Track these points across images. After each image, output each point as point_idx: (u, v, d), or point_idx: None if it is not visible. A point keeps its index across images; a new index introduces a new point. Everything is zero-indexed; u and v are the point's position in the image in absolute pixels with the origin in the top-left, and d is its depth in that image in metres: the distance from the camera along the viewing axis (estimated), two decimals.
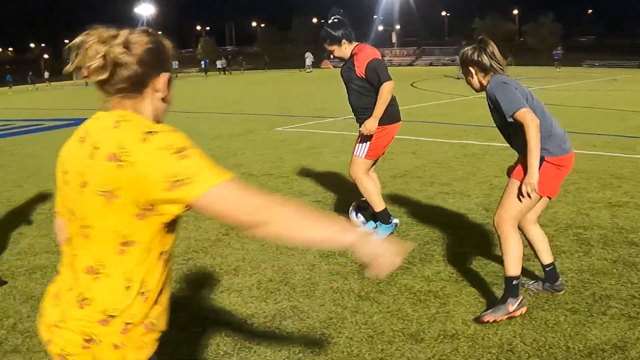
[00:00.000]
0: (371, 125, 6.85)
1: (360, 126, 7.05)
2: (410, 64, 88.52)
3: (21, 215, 8.99)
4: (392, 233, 7.24)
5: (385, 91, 6.78)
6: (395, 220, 7.41)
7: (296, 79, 56.97)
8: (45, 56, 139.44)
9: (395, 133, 7.29)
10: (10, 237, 7.93)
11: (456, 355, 4.51)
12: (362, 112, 7.11)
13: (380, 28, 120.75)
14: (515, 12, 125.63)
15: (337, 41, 7.04)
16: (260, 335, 4.92)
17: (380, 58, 7.03)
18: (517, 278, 5.10)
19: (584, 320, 5.01)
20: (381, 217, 7.28)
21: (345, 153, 12.70)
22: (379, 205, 7.25)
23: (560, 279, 5.61)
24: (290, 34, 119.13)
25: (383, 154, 7.43)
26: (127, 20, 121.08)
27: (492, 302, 5.31)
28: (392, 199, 8.92)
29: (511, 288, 5.05)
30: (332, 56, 7.34)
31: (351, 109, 7.36)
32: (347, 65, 7.17)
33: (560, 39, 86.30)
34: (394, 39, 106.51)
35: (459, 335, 4.79)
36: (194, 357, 4.64)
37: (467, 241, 7.00)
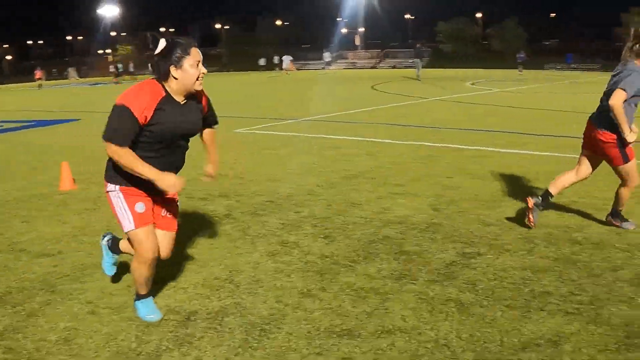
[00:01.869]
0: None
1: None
2: (373, 67, 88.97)
3: None
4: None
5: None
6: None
7: (257, 81, 56.95)
8: (8, 57, 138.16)
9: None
10: None
11: (392, 350, 4.60)
12: None
13: (345, 31, 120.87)
14: (480, 15, 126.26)
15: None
16: (202, 331, 4.97)
17: (123, 104, 4.71)
18: None
19: (520, 315, 5.13)
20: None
21: (302, 154, 12.83)
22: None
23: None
24: (254, 36, 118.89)
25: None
26: (90, 21, 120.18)
27: (431, 299, 5.44)
28: (343, 199, 9.02)
29: None
30: None
31: None
32: None
33: (524, 43, 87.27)
34: (357, 42, 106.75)
35: (395, 331, 4.88)
36: (136, 352, 4.69)
37: (412, 240, 7.12)
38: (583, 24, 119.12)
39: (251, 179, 10.79)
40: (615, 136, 7.07)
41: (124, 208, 5.03)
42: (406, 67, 77.41)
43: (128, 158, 4.72)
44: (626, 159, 7.14)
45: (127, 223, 5.03)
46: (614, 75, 7.17)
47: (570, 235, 7.25)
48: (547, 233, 7.32)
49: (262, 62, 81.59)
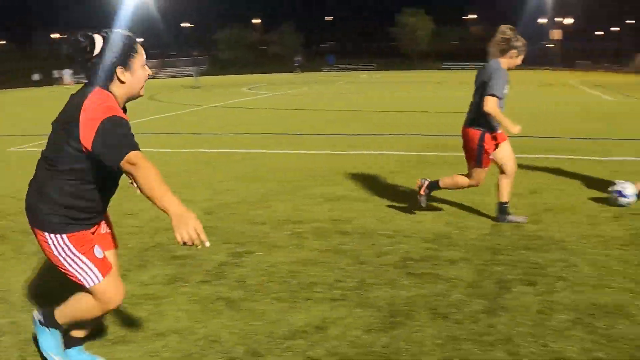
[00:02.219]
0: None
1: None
2: (152, 77, 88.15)
3: None
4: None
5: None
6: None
7: (35, 97, 55.00)
8: None
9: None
10: None
11: (166, 351, 4.82)
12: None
13: None
14: (258, 21, 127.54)
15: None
16: None
17: (114, 115, 3.71)
18: None
19: (288, 307, 5.52)
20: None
21: None
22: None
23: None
24: (30, 50, 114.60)
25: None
26: None
27: (203, 299, 5.69)
28: (116, 210, 9.06)
29: None
30: None
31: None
32: None
33: (301, 46, 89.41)
34: None
35: (169, 332, 5.11)
36: None
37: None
38: (358, 25, 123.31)
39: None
40: (479, 134, 7.53)
41: (81, 260, 3.92)
42: (185, 75, 77.16)
43: (157, 172, 3.50)
44: (479, 165, 7.67)
45: (92, 277, 3.95)
46: (479, 74, 7.60)
47: (339, 227, 7.75)
48: (316, 227, 7.79)
49: (36, 77, 78.80)
